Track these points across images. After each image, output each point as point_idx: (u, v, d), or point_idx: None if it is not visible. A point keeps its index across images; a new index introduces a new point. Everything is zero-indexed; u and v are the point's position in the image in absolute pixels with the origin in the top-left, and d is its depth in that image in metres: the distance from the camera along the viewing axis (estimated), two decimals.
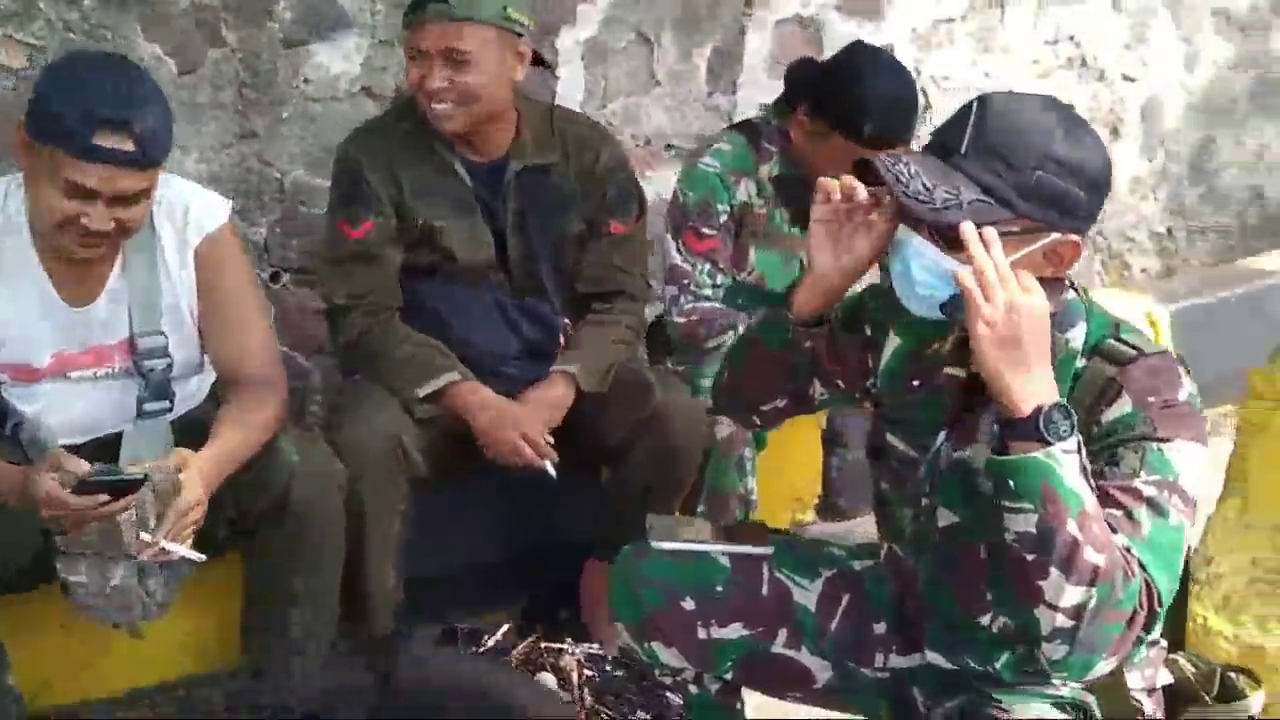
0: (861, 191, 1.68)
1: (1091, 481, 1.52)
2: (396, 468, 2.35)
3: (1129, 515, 1.54)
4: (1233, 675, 1.80)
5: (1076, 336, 1.66)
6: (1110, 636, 1.52)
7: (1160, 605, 1.54)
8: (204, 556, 1.99)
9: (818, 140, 2.54)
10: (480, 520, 2.78)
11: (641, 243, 2.63)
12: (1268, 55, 5.21)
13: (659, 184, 3.38)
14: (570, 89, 3.42)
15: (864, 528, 2.55)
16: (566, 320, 2.58)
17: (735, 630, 1.94)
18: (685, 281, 2.64)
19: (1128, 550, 1.52)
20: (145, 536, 1.93)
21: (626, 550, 2.03)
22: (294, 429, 2.27)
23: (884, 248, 1.70)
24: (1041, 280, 1.57)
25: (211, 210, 2.20)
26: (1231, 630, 2.18)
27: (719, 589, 1.94)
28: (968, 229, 1.51)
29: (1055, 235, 1.60)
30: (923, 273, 1.63)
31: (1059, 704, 1.63)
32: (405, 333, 2.44)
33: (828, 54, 3.91)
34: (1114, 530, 1.52)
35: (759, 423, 2.04)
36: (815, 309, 1.80)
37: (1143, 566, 1.52)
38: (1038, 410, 1.49)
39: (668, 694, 2.39)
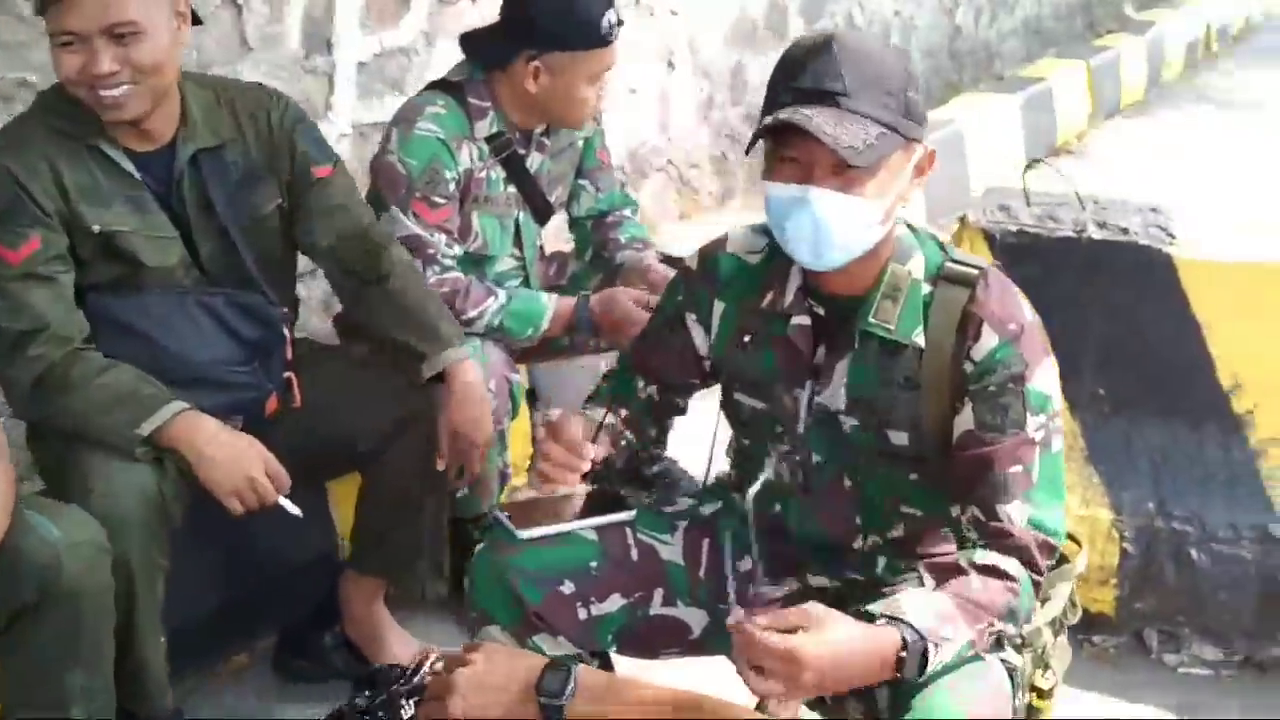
0: None
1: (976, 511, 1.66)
2: (159, 525, 2.01)
3: (1026, 470, 1.66)
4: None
5: (916, 266, 1.75)
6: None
7: (1057, 539, 1.69)
8: None
9: (563, 74, 2.44)
10: (208, 557, 2.47)
11: (353, 183, 2.40)
12: None
13: None
14: None
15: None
16: (285, 309, 2.31)
17: (615, 602, 1.88)
18: (431, 252, 2.44)
19: (1035, 539, 1.65)
20: None
21: (483, 552, 1.89)
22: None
23: None
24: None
25: None
26: None
27: (593, 565, 1.87)
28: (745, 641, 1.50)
29: (921, 148, 1.68)
30: (843, 221, 1.63)
31: None
32: (101, 362, 2.06)
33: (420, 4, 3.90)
34: (1016, 499, 1.65)
35: None
36: None
37: (1042, 544, 1.65)
38: (900, 660, 1.52)
39: None
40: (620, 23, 2.49)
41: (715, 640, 1.97)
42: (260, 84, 2.38)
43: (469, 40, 2.61)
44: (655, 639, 1.95)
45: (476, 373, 2.30)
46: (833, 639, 1.50)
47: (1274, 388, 2.54)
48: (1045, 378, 1.69)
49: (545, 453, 1.85)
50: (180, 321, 2.18)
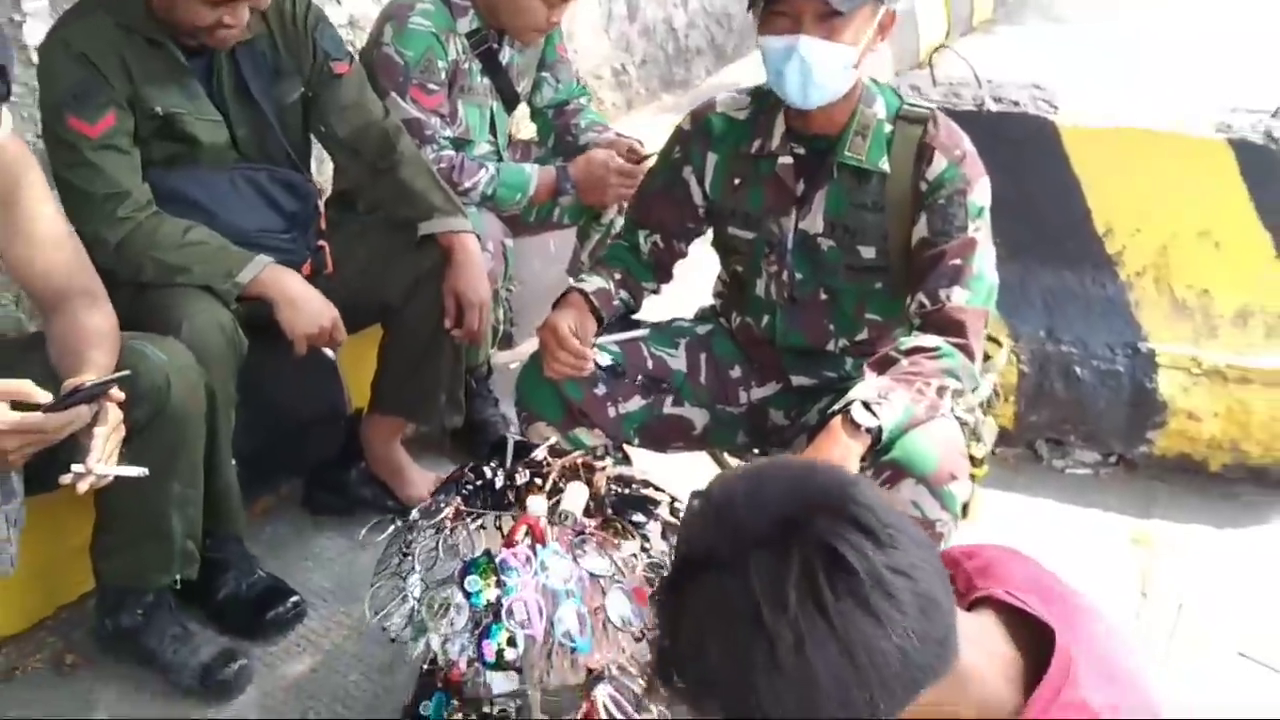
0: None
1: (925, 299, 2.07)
2: (234, 359, 2.31)
3: (965, 262, 2.08)
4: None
5: (879, 109, 2.16)
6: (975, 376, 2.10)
7: (985, 324, 2.12)
8: (145, 471, 1.90)
9: None
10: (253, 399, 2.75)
11: (365, 79, 2.66)
12: None
13: None
14: None
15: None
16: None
17: (636, 403, 2.29)
18: (428, 133, 2.75)
19: (963, 314, 2.06)
20: (78, 467, 1.79)
21: (531, 361, 2.26)
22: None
23: None
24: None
25: None
26: None
27: (620, 369, 2.26)
28: None
29: (884, 7, 2.07)
30: (825, 64, 2.01)
31: None
32: (181, 223, 2.32)
33: None
34: (953, 285, 2.06)
35: None
36: None
37: (968, 319, 2.06)
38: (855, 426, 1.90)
39: None
40: None
41: (714, 435, 2.40)
42: None
43: None
44: (667, 434, 2.35)
45: (475, 244, 2.60)
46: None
47: (1138, 232, 3.05)
48: (982, 192, 2.13)
49: (553, 356, 2.17)
50: (230, 194, 2.46)
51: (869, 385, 1.97)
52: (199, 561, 2.32)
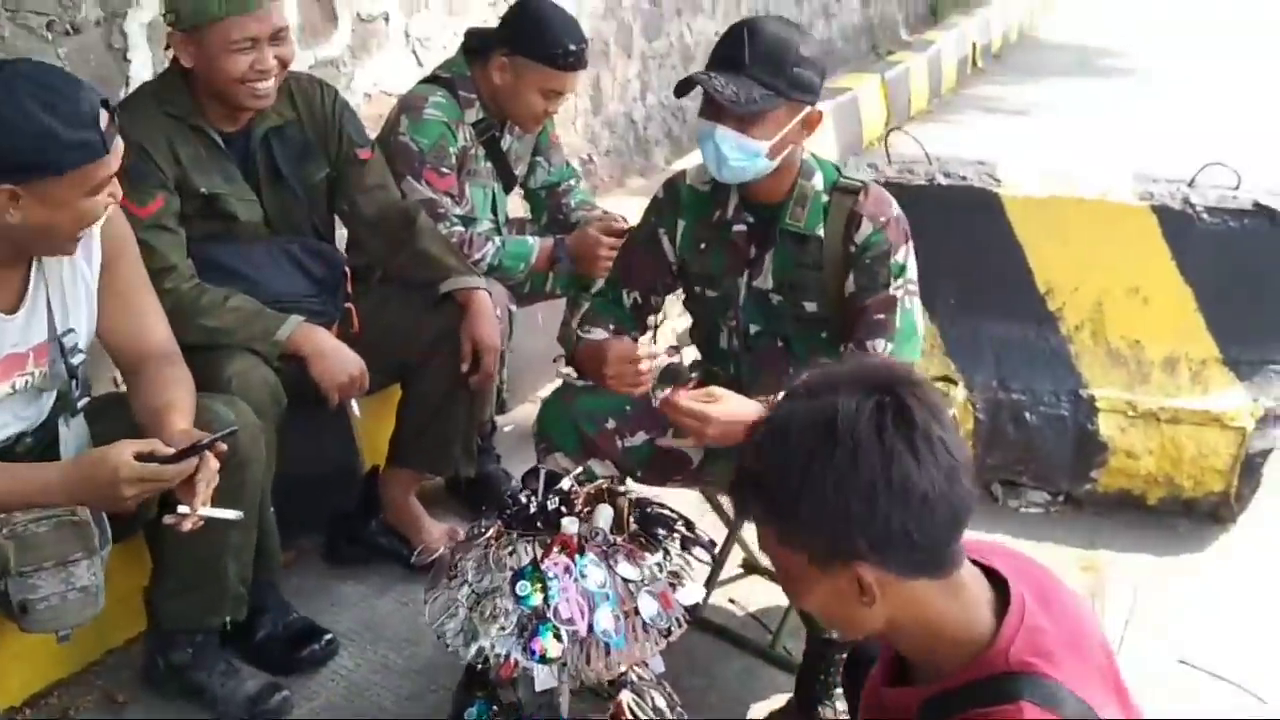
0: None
1: None
2: (277, 413, 2.55)
3: (888, 317, 2.39)
4: (938, 383, 2.78)
5: (818, 182, 2.47)
6: None
7: (911, 362, 2.40)
8: (241, 514, 2.14)
9: (521, 76, 3.06)
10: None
11: (385, 163, 2.96)
12: (622, 5, 6.48)
13: None
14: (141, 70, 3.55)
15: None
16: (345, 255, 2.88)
17: (640, 437, 2.56)
18: (441, 211, 3.03)
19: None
20: (184, 509, 2.02)
21: (553, 399, 2.55)
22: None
23: None
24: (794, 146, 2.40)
25: None
26: None
27: (627, 409, 2.54)
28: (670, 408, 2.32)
29: (809, 109, 2.37)
30: (733, 151, 2.34)
31: None
32: (221, 292, 2.57)
33: (342, 21, 4.44)
34: (880, 338, 2.37)
35: None
36: None
37: (890, 354, 2.35)
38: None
39: None
40: (579, 59, 3.08)
41: (709, 469, 2.66)
42: (312, 75, 2.94)
43: (470, 33, 3.22)
44: (668, 467, 2.61)
45: (488, 298, 2.87)
46: (727, 404, 2.28)
47: (1075, 290, 3.39)
48: (904, 254, 2.44)
49: (609, 375, 2.45)
50: (267, 263, 2.73)
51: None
52: (247, 603, 2.52)
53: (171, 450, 1.99)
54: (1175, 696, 2.70)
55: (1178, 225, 3.27)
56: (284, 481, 2.75)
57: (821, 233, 2.44)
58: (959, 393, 2.95)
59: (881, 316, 2.39)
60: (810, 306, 2.49)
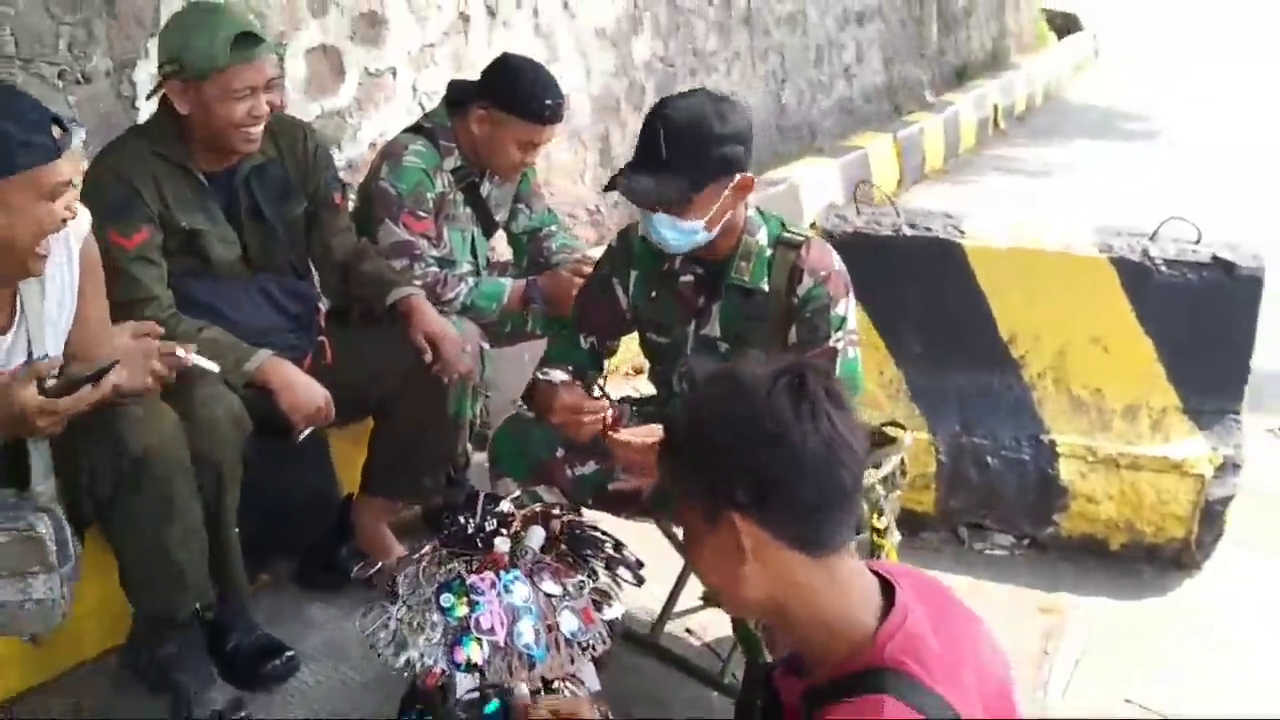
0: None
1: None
2: (241, 438, 2.68)
3: (829, 366, 2.47)
4: (885, 429, 2.86)
5: (762, 237, 2.59)
6: None
7: None
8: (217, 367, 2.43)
9: (498, 128, 3.21)
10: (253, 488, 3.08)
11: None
12: (634, 64, 6.67)
13: None
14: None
15: None
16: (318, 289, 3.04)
17: (590, 466, 2.67)
18: (417, 253, 3.18)
19: None
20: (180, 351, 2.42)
21: (505, 426, 2.70)
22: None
23: None
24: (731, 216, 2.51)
25: (83, 213, 2.35)
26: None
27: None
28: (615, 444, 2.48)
29: (737, 178, 2.47)
30: (671, 232, 2.47)
31: None
32: (195, 323, 2.71)
33: (350, 75, 4.63)
34: None
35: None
36: None
37: None
38: None
39: None
40: (555, 113, 3.23)
41: (659, 501, 2.76)
42: (293, 117, 3.10)
43: (452, 85, 3.38)
44: (620, 501, 2.72)
45: (425, 298, 3.00)
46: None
47: (1037, 339, 3.48)
48: (844, 307, 2.53)
49: (556, 421, 2.58)
50: (242, 299, 2.87)
51: None
52: (211, 591, 2.64)
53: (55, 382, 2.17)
54: None
55: (1137, 277, 3.36)
56: (262, 508, 2.88)
57: (766, 286, 2.54)
58: (920, 437, 3.02)
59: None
60: (756, 355, 2.58)
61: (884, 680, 1.40)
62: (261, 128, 2.74)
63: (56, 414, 2.16)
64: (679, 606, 2.97)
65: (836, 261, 2.58)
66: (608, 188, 2.52)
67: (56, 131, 2.11)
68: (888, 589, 1.51)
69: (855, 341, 2.56)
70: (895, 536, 2.65)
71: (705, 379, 1.53)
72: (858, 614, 1.47)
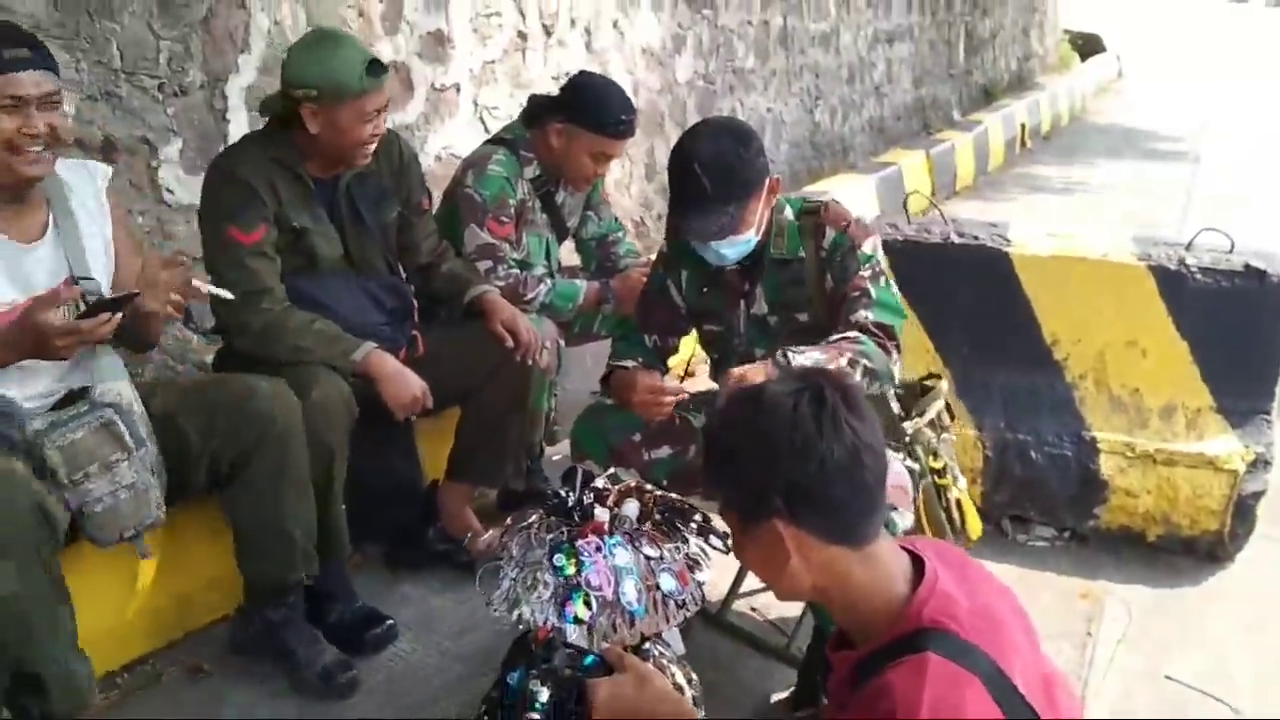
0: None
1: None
2: (350, 420, 2.92)
3: (865, 294, 2.70)
4: (924, 382, 3.06)
5: (788, 213, 2.81)
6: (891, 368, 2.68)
7: (898, 335, 2.71)
8: (232, 296, 2.61)
9: (575, 140, 3.45)
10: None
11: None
12: (678, 82, 6.92)
13: None
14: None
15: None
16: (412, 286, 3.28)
17: (664, 451, 2.90)
18: (500, 255, 3.41)
19: (876, 325, 2.66)
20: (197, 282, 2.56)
21: (585, 414, 2.93)
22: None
23: None
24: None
25: (98, 163, 2.69)
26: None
27: (651, 425, 2.87)
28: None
29: (766, 183, 2.70)
30: (727, 250, 2.69)
31: None
32: (307, 315, 2.96)
33: (418, 90, 4.88)
34: (862, 309, 2.67)
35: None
36: None
37: (881, 328, 2.66)
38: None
39: None
40: (628, 128, 3.48)
41: None
42: (389, 129, 3.34)
43: (532, 100, 3.62)
44: (692, 481, 2.92)
45: (499, 295, 3.26)
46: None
47: (1079, 342, 3.69)
48: (870, 246, 2.74)
49: (636, 401, 2.81)
50: (345, 295, 3.11)
51: (799, 347, 2.60)
52: (316, 561, 2.86)
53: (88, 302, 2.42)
54: (1159, 709, 2.94)
55: (1173, 284, 3.56)
56: (354, 493, 3.11)
57: (802, 253, 2.78)
58: (967, 433, 3.21)
59: (858, 293, 2.70)
60: (802, 318, 2.80)
61: (925, 639, 1.50)
62: (375, 144, 2.98)
63: (78, 334, 2.37)
64: (743, 587, 3.18)
65: (855, 213, 2.81)
66: (670, 236, 2.77)
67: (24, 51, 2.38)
68: (915, 562, 1.65)
69: (883, 272, 2.75)
70: (961, 481, 2.87)
71: (731, 399, 1.66)
72: (896, 587, 1.59)
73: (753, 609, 3.27)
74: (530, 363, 3.22)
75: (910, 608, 1.55)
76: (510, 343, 3.18)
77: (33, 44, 2.41)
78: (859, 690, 1.52)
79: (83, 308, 2.47)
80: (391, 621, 3.06)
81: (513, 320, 3.21)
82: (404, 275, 3.32)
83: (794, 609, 3.12)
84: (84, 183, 2.64)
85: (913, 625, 1.53)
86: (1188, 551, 3.64)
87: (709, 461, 1.67)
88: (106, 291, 2.58)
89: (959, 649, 1.49)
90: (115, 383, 2.55)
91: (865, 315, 2.67)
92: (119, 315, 2.42)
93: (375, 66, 2.88)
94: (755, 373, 2.50)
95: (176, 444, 2.66)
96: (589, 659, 2.25)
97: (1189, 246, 3.64)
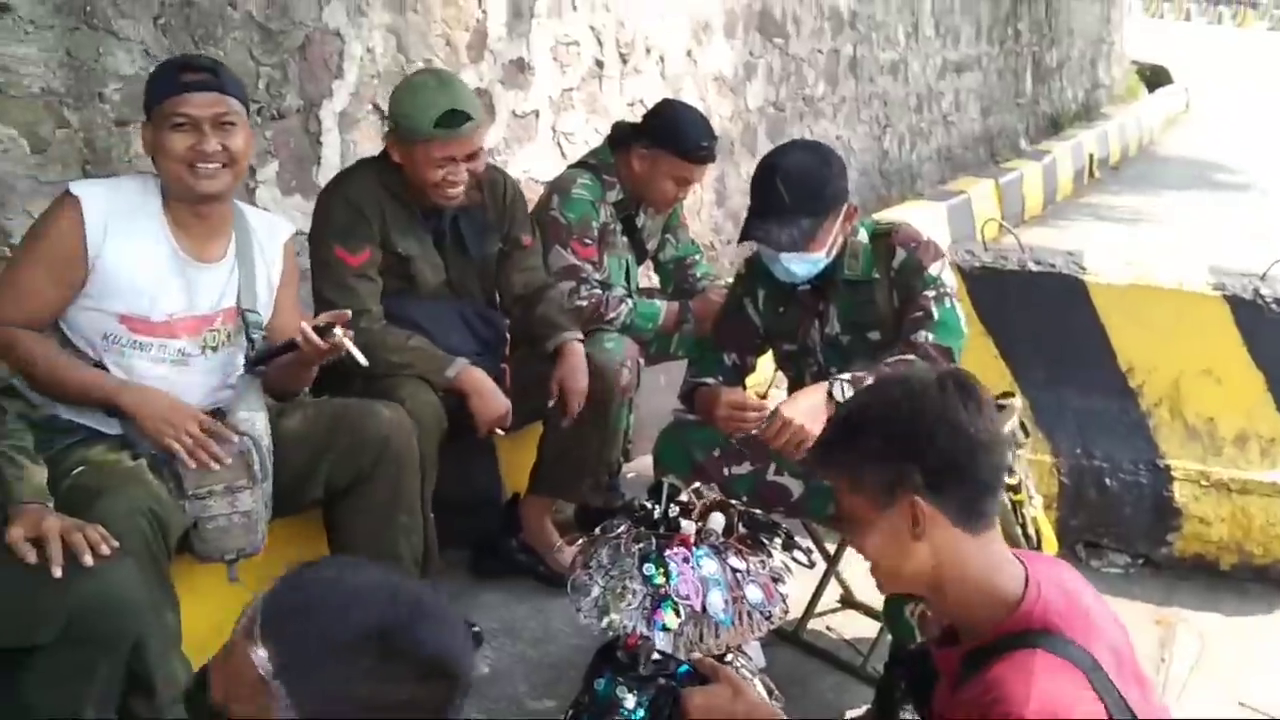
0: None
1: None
2: (440, 430, 3.02)
3: (928, 315, 2.78)
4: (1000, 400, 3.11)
5: (862, 236, 2.90)
6: None
7: (956, 358, 2.78)
8: (367, 361, 2.62)
9: (657, 165, 3.56)
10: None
11: (539, 248, 3.48)
12: (749, 109, 7.02)
13: None
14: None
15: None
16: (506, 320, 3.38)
17: (745, 467, 2.97)
18: (583, 276, 3.51)
19: (934, 346, 2.74)
20: (338, 331, 2.54)
21: (670, 427, 3.03)
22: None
23: None
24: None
25: (285, 220, 2.83)
26: None
27: (732, 441, 2.95)
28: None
29: (844, 208, 2.81)
30: (797, 266, 2.80)
31: None
32: (404, 333, 3.07)
33: (500, 116, 5.02)
34: (922, 329, 2.75)
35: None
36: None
37: (939, 349, 2.75)
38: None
39: None
40: (709, 153, 3.57)
41: (809, 504, 3.04)
42: (497, 166, 3.46)
43: (617, 126, 3.73)
44: (769, 498, 2.99)
45: (580, 349, 3.26)
46: (794, 401, 2.72)
47: (1154, 370, 3.72)
48: (937, 268, 2.82)
49: (720, 416, 2.88)
50: (442, 320, 3.22)
51: (855, 371, 2.69)
52: (416, 573, 2.92)
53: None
54: None
55: (1249, 314, 3.59)
56: (438, 503, 3.17)
57: (875, 275, 2.86)
58: (1043, 459, 3.27)
59: (920, 314, 2.78)
60: (873, 336, 2.88)
61: (1036, 638, 1.58)
62: (460, 189, 3.07)
63: (192, 441, 2.47)
64: (819, 607, 3.24)
65: (925, 236, 2.89)
66: (742, 238, 2.84)
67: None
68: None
69: (949, 293, 2.82)
70: (1037, 499, 2.90)
71: (874, 384, 1.79)
72: (1008, 584, 1.65)
73: (828, 628, 3.33)
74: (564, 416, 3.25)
75: (1023, 608, 1.61)
76: (552, 402, 3.23)
77: (213, 70, 2.54)
78: (964, 684, 1.58)
79: (245, 344, 2.61)
80: (477, 629, 3.15)
81: (570, 385, 3.21)
82: (500, 307, 3.41)
83: (869, 629, 3.18)
84: (268, 232, 2.75)
85: (1025, 623, 1.60)
86: (1260, 579, 3.65)
87: (847, 443, 1.73)
88: (264, 314, 2.69)
89: (1067, 648, 1.55)
90: (254, 413, 2.63)
91: (924, 336, 2.75)
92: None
93: (451, 117, 2.97)
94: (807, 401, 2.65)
95: (295, 460, 2.72)
96: (683, 668, 2.33)
97: (1264, 277, 3.67)
